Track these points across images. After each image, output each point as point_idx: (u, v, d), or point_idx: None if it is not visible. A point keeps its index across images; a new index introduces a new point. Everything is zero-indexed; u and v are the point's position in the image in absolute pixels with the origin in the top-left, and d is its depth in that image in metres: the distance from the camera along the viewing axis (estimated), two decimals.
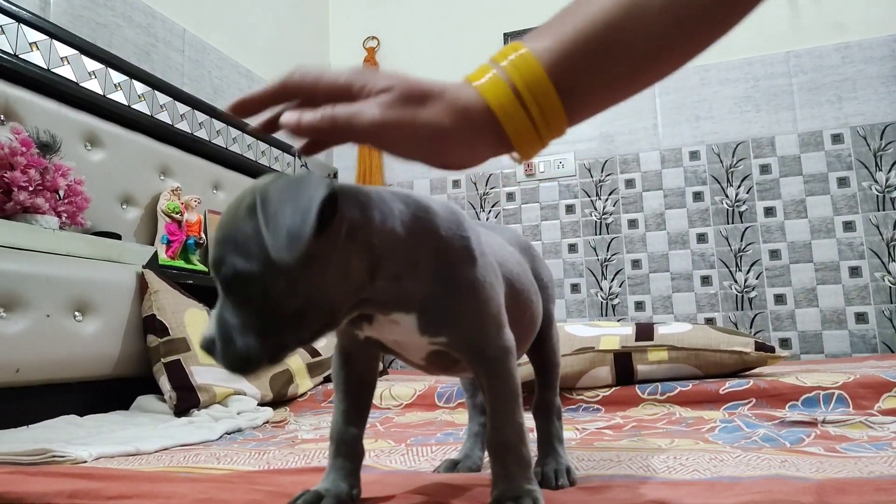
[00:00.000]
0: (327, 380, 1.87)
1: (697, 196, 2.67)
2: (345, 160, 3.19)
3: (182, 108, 2.09)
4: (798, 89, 2.60)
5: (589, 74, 0.51)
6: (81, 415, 1.39)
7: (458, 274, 0.60)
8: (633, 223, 2.73)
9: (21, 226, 1.38)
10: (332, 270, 0.53)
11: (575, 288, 2.76)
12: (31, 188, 1.44)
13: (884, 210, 2.44)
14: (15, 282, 1.32)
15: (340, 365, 0.67)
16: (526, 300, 0.73)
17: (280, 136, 0.57)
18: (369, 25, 3.25)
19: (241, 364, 0.52)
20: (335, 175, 3.06)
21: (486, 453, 0.75)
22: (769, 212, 2.58)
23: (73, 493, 0.65)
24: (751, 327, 2.53)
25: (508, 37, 2.97)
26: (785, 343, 2.48)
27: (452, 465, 0.83)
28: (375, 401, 1.64)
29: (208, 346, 0.53)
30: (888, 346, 2.36)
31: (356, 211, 0.55)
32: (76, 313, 1.46)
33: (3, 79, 1.51)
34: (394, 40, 3.21)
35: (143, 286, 1.62)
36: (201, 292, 1.82)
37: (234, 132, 2.34)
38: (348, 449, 0.66)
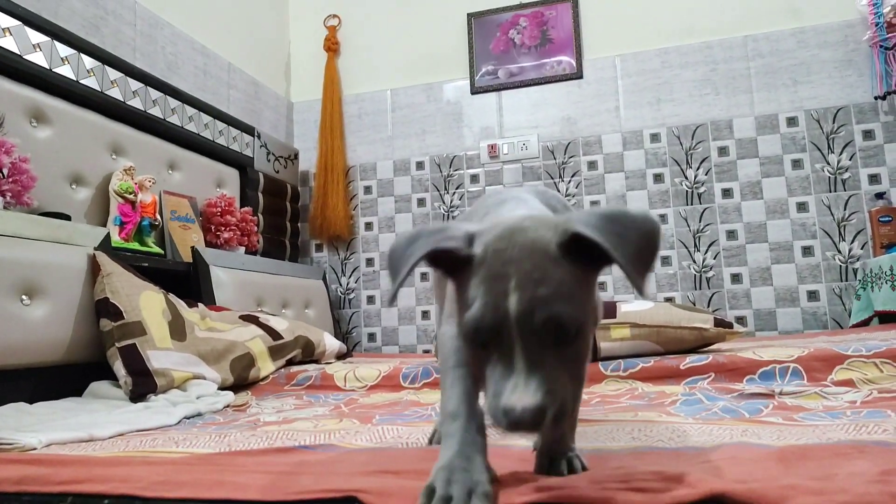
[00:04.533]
0: (290, 363, 1.84)
1: (658, 178, 2.70)
2: (306, 140, 3.13)
3: (135, 85, 2.00)
4: (756, 73, 2.65)
5: None
6: (31, 402, 1.33)
7: None
8: (594, 204, 2.75)
9: None
10: None
11: None
12: None
13: (835, 191, 2.52)
14: None
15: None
16: None
17: None
18: (331, 2, 3.18)
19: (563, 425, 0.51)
20: (296, 156, 3.00)
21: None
22: (727, 193, 2.63)
23: (20, 479, 0.62)
24: (708, 305, 2.59)
25: (472, 17, 2.94)
26: (741, 321, 2.55)
27: None
28: (339, 383, 1.62)
29: (535, 419, 0.45)
30: (838, 322, 2.45)
31: None
32: (23, 297, 1.39)
33: None
34: (355, 18, 3.15)
35: (94, 269, 1.56)
36: (156, 275, 1.76)
37: (191, 110, 2.27)
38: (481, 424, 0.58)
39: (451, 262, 0.54)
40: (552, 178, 2.80)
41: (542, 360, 0.48)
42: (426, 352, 2.80)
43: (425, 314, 2.90)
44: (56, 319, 1.45)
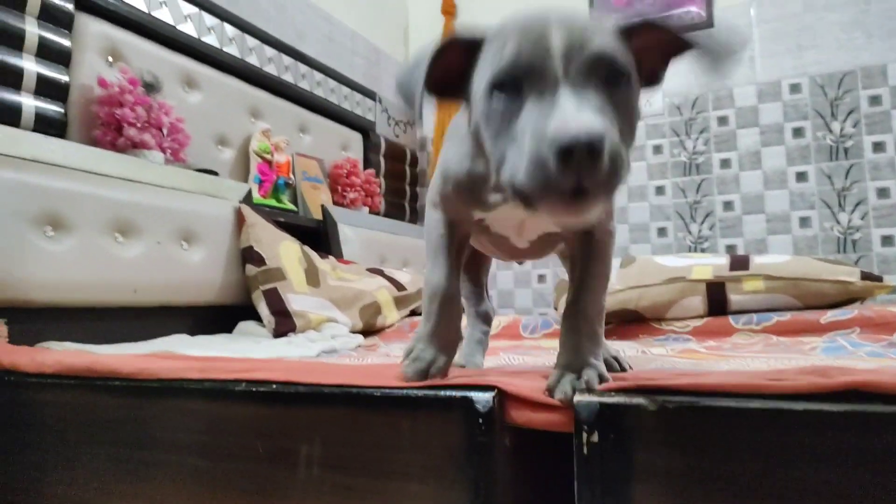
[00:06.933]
0: (413, 313, 1.92)
1: (797, 132, 2.50)
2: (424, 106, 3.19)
3: (269, 52, 2.14)
4: None
5: None
6: (191, 335, 1.50)
7: None
8: (725, 163, 2.60)
9: (132, 159, 1.48)
10: None
11: (661, 232, 2.68)
12: (139, 125, 1.53)
13: None
14: (129, 210, 1.42)
15: (446, 231, 0.67)
16: None
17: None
18: None
19: (620, 179, 0.41)
20: (424, 146, 3.08)
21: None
22: (878, 147, 2.39)
23: (202, 368, 0.71)
24: None
25: None
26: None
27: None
28: None
29: (595, 144, 0.37)
30: None
31: None
32: (183, 242, 1.56)
33: (109, 21, 1.60)
34: None
35: (240, 220, 1.71)
36: (291, 230, 1.90)
37: (318, 75, 2.39)
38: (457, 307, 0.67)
39: (459, 79, 0.52)
40: (678, 136, 2.68)
41: (593, 99, 0.41)
42: (542, 314, 2.80)
43: (541, 277, 2.89)
44: (209, 263, 1.61)
